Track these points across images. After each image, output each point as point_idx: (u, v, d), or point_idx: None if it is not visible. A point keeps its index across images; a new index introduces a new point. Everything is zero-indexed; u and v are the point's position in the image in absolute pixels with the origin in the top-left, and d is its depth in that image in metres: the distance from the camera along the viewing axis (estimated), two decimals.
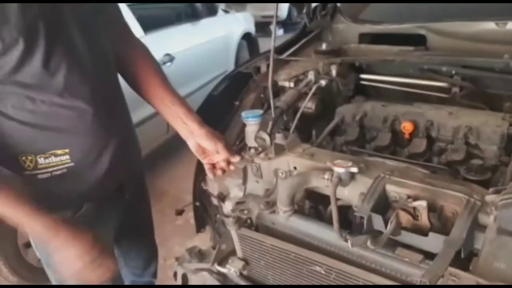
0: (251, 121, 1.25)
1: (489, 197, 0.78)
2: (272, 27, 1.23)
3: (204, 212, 1.49)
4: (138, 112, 2.69)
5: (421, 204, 0.80)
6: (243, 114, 1.28)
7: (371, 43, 1.75)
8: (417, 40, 1.61)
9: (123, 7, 2.82)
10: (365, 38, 1.77)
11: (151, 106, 1.13)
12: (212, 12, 3.79)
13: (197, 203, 1.50)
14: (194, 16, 3.57)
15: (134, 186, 1.20)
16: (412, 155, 1.14)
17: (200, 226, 1.59)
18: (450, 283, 0.64)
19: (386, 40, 1.68)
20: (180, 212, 1.55)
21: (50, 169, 0.91)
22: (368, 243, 0.77)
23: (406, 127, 1.17)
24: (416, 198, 0.83)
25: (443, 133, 1.14)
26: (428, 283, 0.64)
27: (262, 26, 7.23)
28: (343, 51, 1.69)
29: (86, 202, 1.00)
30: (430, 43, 1.57)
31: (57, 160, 0.91)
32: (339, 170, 0.90)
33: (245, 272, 1.07)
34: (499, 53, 1.29)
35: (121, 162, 1.02)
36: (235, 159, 1.05)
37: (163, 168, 3.12)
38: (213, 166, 1.09)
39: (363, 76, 1.58)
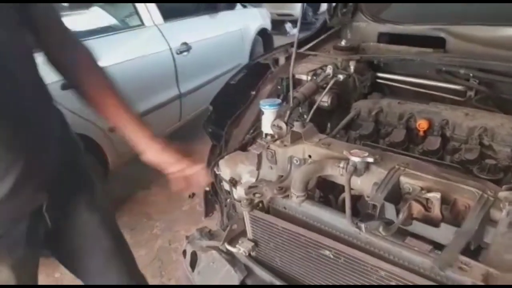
0: (268, 109, 1.28)
1: (502, 194, 0.80)
2: (288, 26, 1.26)
3: (214, 196, 1.52)
4: (152, 99, 2.74)
5: (435, 196, 0.81)
6: (261, 102, 1.31)
7: (389, 43, 1.76)
8: (436, 43, 1.62)
9: None
10: (383, 37, 1.78)
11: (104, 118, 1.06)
12: (231, 6, 3.82)
13: (207, 188, 1.53)
14: (212, 9, 3.60)
15: (67, 206, 1.07)
16: (426, 152, 1.16)
17: (208, 211, 1.61)
18: (459, 272, 0.66)
19: (404, 40, 1.69)
20: (192, 195, 1.59)
21: None
22: (381, 229, 0.79)
23: (422, 124, 1.19)
24: (429, 190, 0.85)
25: (458, 132, 1.15)
26: (438, 268, 0.66)
27: (277, 24, 7.25)
28: (362, 49, 1.70)
29: None
30: (449, 46, 1.58)
31: None
32: (355, 159, 0.93)
33: (253, 253, 1.10)
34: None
35: (31, 182, 0.90)
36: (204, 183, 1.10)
37: None
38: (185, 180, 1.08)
39: (380, 74, 1.59)
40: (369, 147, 1.21)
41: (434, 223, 0.82)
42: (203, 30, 3.34)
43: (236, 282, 1.07)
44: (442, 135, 1.17)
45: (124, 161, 2.55)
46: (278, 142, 1.14)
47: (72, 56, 1.02)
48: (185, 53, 3.03)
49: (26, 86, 0.88)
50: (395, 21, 1.77)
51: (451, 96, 1.45)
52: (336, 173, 0.97)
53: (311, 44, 1.76)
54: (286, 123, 1.17)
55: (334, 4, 1.88)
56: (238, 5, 4.03)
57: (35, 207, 0.96)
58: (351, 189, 0.91)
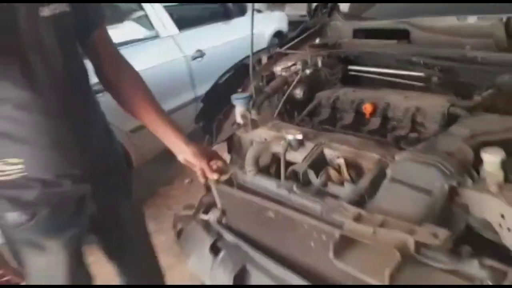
0: (238, 102, 1.50)
1: (398, 156, 0.98)
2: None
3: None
4: (169, 102, 3.04)
5: (341, 161, 1.01)
6: (233, 96, 1.54)
7: (365, 38, 1.93)
8: (403, 35, 1.77)
9: (159, 6, 3.19)
10: (359, 33, 1.95)
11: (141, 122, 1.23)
12: (242, 12, 4.07)
13: None
14: (226, 16, 3.86)
15: (105, 199, 1.18)
16: (370, 132, 1.33)
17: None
18: (339, 214, 0.85)
19: (377, 35, 1.85)
20: (190, 181, 1.88)
21: (2, 175, 0.97)
22: (294, 187, 1.00)
23: (367, 108, 1.36)
24: (344, 159, 1.05)
25: (397, 113, 1.31)
26: (325, 212, 0.86)
27: (299, 25, 7.39)
28: (338, 45, 1.88)
29: (41, 209, 1.03)
30: (412, 37, 1.73)
31: (10, 168, 0.96)
32: (288, 137, 1.14)
33: (223, 221, 1.33)
34: (464, 44, 1.45)
35: (74, 172, 1.05)
36: (212, 176, 1.22)
37: None
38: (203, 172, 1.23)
39: (351, 67, 1.77)
40: (326, 130, 1.41)
41: (342, 183, 1.01)
42: (216, 37, 3.61)
43: (208, 244, 1.30)
44: (384, 116, 1.34)
45: (146, 159, 2.87)
46: (241, 129, 1.37)
47: (123, 75, 1.18)
48: (199, 59, 3.32)
49: (83, 92, 1.08)
50: (366, 18, 1.93)
51: (416, 83, 1.60)
52: (280, 149, 1.18)
53: (291, 44, 1.96)
54: (249, 113, 1.39)
55: (314, 5, 2.08)
56: (251, 11, 4.27)
57: (79, 195, 1.09)
58: (293, 163, 1.12)
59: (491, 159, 0.84)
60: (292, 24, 5.23)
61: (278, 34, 4.69)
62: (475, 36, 1.48)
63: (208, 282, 1.29)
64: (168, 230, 2.73)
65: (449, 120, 1.21)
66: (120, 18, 3.26)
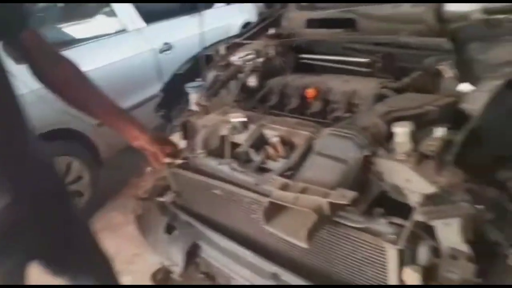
0: (191, 90, 1.59)
1: (323, 132, 1.08)
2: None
3: None
4: (138, 95, 3.10)
5: (276, 139, 1.11)
6: (187, 85, 1.62)
7: (318, 28, 2.03)
8: (351, 23, 1.88)
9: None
10: (311, 23, 2.05)
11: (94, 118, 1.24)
12: (209, 5, 4.13)
13: None
14: (193, 9, 3.92)
15: (44, 224, 1.13)
16: (312, 114, 1.44)
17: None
18: (269, 184, 0.95)
19: (328, 24, 1.96)
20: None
21: None
22: (234, 165, 1.09)
23: (310, 92, 1.47)
24: (279, 137, 1.15)
25: (336, 96, 1.42)
26: (256, 183, 0.97)
27: None
28: (291, 35, 1.98)
29: None
30: (358, 25, 1.84)
31: None
32: (232, 119, 1.23)
33: (178, 201, 1.42)
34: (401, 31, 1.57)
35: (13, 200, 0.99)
36: (165, 160, 1.26)
37: None
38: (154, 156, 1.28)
39: (303, 55, 1.87)
40: (275, 115, 1.51)
41: (277, 159, 1.11)
42: (184, 30, 3.67)
43: (163, 224, 1.40)
44: (325, 100, 1.45)
45: (114, 151, 2.93)
46: (195, 115, 1.46)
47: (65, 73, 1.14)
48: (167, 52, 3.38)
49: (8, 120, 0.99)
50: (318, 7, 2.03)
51: (362, 69, 1.72)
52: (226, 132, 1.28)
53: (248, 34, 2.05)
54: (201, 99, 1.48)
55: None
56: (219, 3, 4.34)
57: (18, 224, 1.03)
58: (239, 144, 1.22)
59: (401, 131, 0.95)
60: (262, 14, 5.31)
61: (247, 25, 4.76)
62: (410, 23, 1.60)
63: (164, 260, 1.38)
64: None
65: (380, 100, 1.33)
66: (90, 13, 3.30)
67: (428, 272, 0.85)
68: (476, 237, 0.86)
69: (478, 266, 0.83)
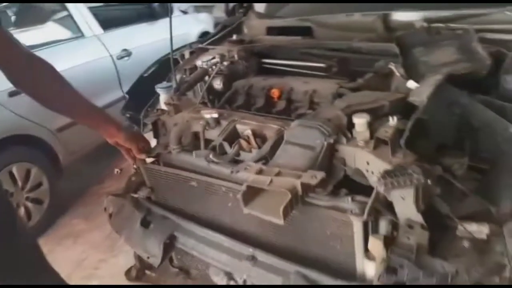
0: (161, 91, 1.66)
1: (292, 124, 1.20)
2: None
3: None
4: (97, 101, 3.07)
5: (249, 132, 1.21)
6: (157, 86, 1.69)
7: (277, 35, 2.17)
8: (308, 31, 2.04)
9: (82, 6, 3.21)
10: (272, 31, 2.19)
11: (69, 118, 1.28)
12: (167, 13, 4.18)
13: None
14: (151, 16, 3.96)
15: None
16: (277, 112, 1.55)
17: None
18: (244, 171, 1.05)
19: (287, 32, 2.10)
20: (120, 171, 1.99)
21: None
22: (210, 155, 1.18)
23: (274, 92, 1.59)
24: (252, 131, 1.25)
25: (298, 95, 1.55)
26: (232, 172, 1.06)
27: None
28: (253, 41, 2.10)
29: None
30: (314, 33, 2.00)
31: None
32: (206, 116, 1.32)
33: (152, 197, 1.47)
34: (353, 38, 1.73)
35: None
36: (141, 156, 1.36)
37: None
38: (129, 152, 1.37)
39: (264, 60, 1.99)
40: (243, 113, 1.61)
41: (251, 151, 1.21)
42: (142, 37, 3.70)
43: (139, 219, 1.44)
44: (289, 99, 1.57)
45: (74, 158, 2.89)
46: (165, 114, 1.52)
47: (38, 75, 1.15)
48: (126, 58, 3.39)
49: None
50: (278, 16, 2.18)
51: (319, 73, 1.87)
52: (199, 128, 1.36)
53: (211, 40, 2.15)
54: (172, 99, 1.55)
55: (231, 5, 2.28)
56: (177, 12, 4.40)
57: None
58: (212, 140, 1.30)
59: (359, 121, 1.08)
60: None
61: (205, 35, 4.85)
62: (361, 31, 1.78)
63: (141, 253, 1.42)
64: (100, 227, 2.78)
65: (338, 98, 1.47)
66: (42, 19, 3.24)
67: (389, 240, 0.98)
68: (428, 210, 1.01)
69: (430, 234, 0.97)
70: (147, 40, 3.73)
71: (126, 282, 2.11)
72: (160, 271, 1.59)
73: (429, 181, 0.93)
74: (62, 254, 2.41)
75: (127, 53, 3.40)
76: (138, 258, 1.60)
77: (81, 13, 3.20)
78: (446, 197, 1.04)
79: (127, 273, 1.62)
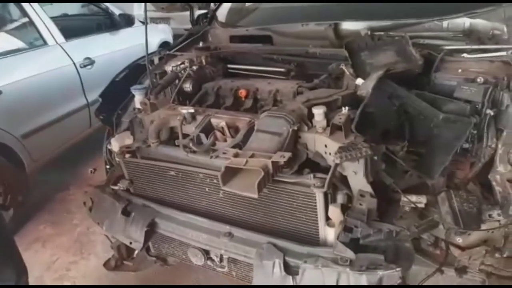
0: (136, 92, 1.78)
1: (261, 115, 1.38)
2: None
3: (111, 167, 1.98)
4: (60, 108, 3.11)
5: (223, 124, 1.38)
6: (132, 87, 1.81)
7: (240, 43, 2.36)
8: (268, 39, 2.25)
9: (44, 15, 3.24)
10: (234, 39, 2.37)
11: None
12: (129, 23, 4.27)
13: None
14: (113, 26, 4.03)
15: None
16: (245, 110, 1.73)
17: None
18: (223, 155, 1.21)
19: (248, 40, 2.30)
20: (93, 170, 2.06)
21: None
22: (191, 144, 1.33)
23: (242, 93, 1.76)
24: (226, 123, 1.42)
25: (263, 95, 1.74)
26: (210, 157, 1.22)
27: None
28: (218, 48, 2.27)
29: None
30: (274, 41, 2.21)
31: None
32: (183, 111, 1.47)
33: (131, 189, 1.59)
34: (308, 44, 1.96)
35: None
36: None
37: (86, 157, 3.46)
38: None
39: (230, 65, 2.17)
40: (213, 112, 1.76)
41: (226, 141, 1.38)
42: (104, 46, 3.76)
43: (120, 209, 1.55)
44: (255, 98, 1.76)
45: (39, 165, 2.89)
46: (142, 113, 1.65)
47: None
48: (89, 67, 3.44)
49: None
50: (238, 25, 2.37)
51: (279, 77, 2.07)
52: (176, 123, 1.50)
53: (178, 47, 2.30)
54: (148, 98, 1.69)
55: (196, 14, 2.45)
56: (138, 23, 4.49)
57: None
58: (188, 134, 1.45)
59: (318, 112, 1.29)
60: (178, 37, 5.57)
61: (164, 45, 4.97)
62: (316, 38, 2.01)
63: (123, 239, 1.53)
64: (68, 232, 2.81)
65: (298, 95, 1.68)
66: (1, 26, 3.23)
67: (345, 208, 1.18)
68: (376, 185, 1.22)
69: (379, 203, 1.18)
70: (110, 49, 3.80)
71: (99, 282, 2.19)
72: (138, 260, 1.70)
73: (375, 157, 1.15)
74: (31, 257, 2.41)
75: (90, 62, 3.45)
76: (117, 248, 1.70)
77: (43, 21, 3.23)
78: (391, 173, 1.26)
79: (106, 263, 1.71)
